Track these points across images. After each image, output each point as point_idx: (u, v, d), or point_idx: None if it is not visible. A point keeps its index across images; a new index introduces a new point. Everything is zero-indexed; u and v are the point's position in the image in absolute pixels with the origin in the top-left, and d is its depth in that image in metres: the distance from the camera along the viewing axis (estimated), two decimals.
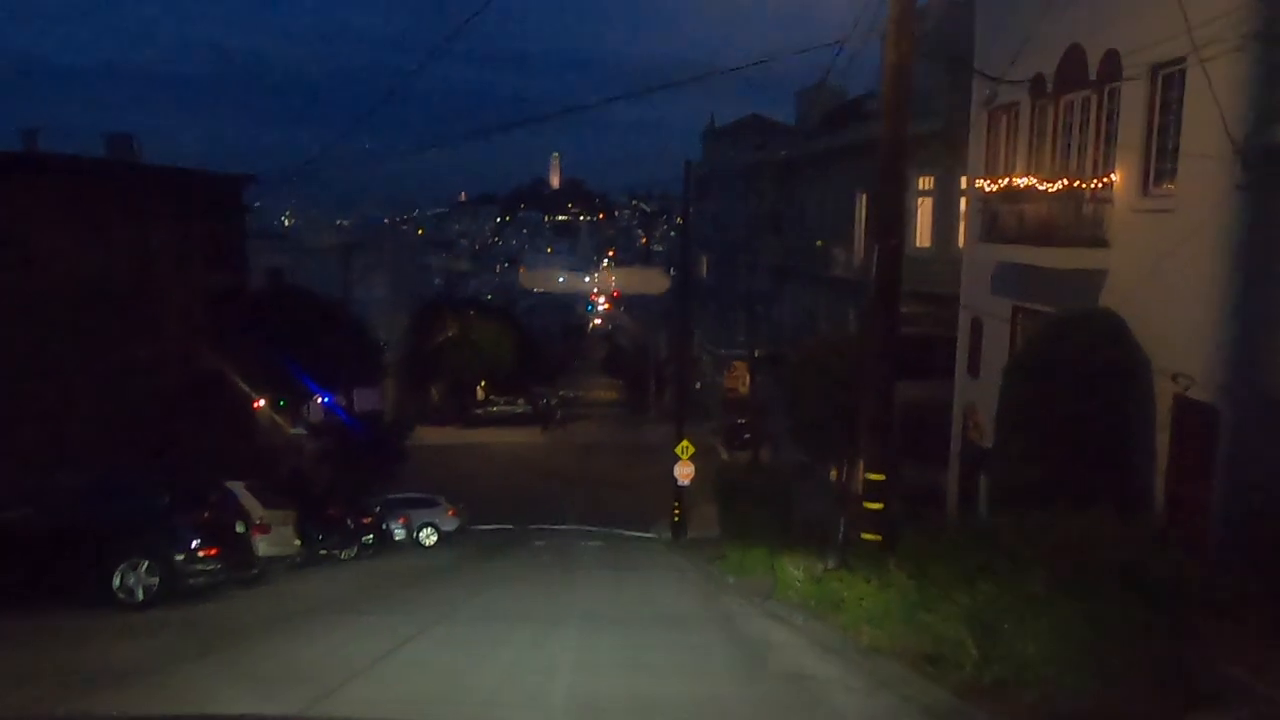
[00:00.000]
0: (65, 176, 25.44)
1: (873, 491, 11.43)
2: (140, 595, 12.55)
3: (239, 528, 14.28)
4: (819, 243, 28.96)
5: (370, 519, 24.19)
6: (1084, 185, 14.17)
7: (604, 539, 33.50)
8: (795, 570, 13.91)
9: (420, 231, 75.71)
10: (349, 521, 22.76)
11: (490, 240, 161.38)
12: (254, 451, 31.11)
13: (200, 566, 13.02)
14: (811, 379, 17.32)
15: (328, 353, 40.99)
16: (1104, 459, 12.85)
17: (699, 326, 53.82)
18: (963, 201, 23.36)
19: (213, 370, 32.54)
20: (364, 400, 46.81)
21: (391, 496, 29.30)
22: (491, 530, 35.61)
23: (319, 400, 45.52)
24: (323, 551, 21.42)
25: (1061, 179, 14.56)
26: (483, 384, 60.27)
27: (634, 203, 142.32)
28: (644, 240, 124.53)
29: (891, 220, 11.76)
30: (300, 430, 39.70)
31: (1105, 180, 14.03)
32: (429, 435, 51.45)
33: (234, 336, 34.94)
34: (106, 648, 10.00)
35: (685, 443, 35.18)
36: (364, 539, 23.77)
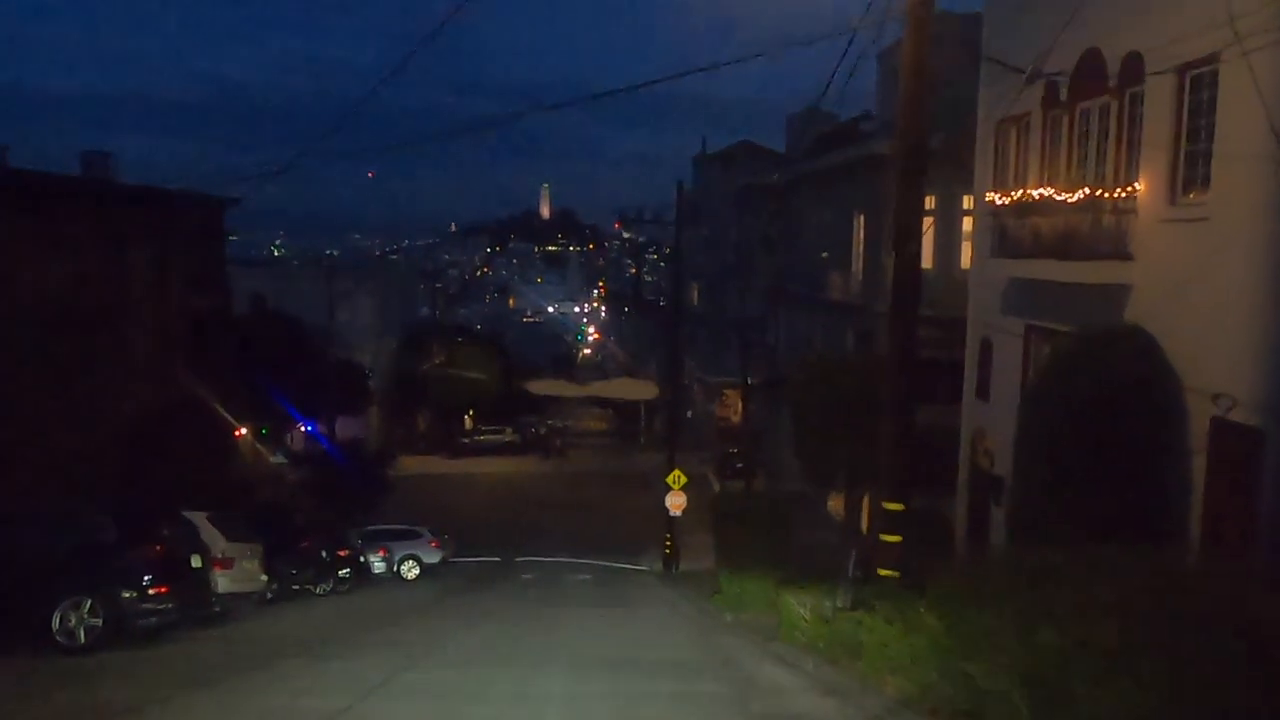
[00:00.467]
0: (35, 194, 24.33)
1: (890, 523, 10.30)
2: (82, 637, 11.29)
3: (195, 562, 13.03)
4: (818, 261, 28.03)
5: (347, 552, 22.87)
6: (1105, 195, 13.22)
7: (593, 571, 32.24)
8: (801, 609, 12.71)
9: (398, 257, 74.66)
10: (324, 554, 21.45)
11: (480, 270, 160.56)
12: (230, 481, 29.76)
13: (150, 605, 11.78)
14: (817, 399, 16.26)
15: (311, 380, 39.80)
16: (1132, 485, 11.79)
17: (690, 354, 52.82)
18: (965, 221, 22.48)
19: (191, 397, 31.25)
20: (348, 428, 45.51)
21: (371, 528, 27.97)
22: (477, 562, 34.29)
23: (302, 429, 44.26)
24: (295, 587, 20.11)
25: (1080, 190, 13.61)
26: (470, 413, 58.98)
27: (623, 232, 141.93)
28: (634, 270, 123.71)
29: (909, 224, 10.77)
30: (281, 459, 38.37)
31: (1128, 190, 13.09)
32: (414, 465, 50.04)
33: (215, 362, 33.72)
34: (28, 700, 8.75)
35: (677, 472, 34.05)
36: (340, 573, 22.45)
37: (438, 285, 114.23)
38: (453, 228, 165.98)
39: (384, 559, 25.80)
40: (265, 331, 44.48)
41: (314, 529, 23.08)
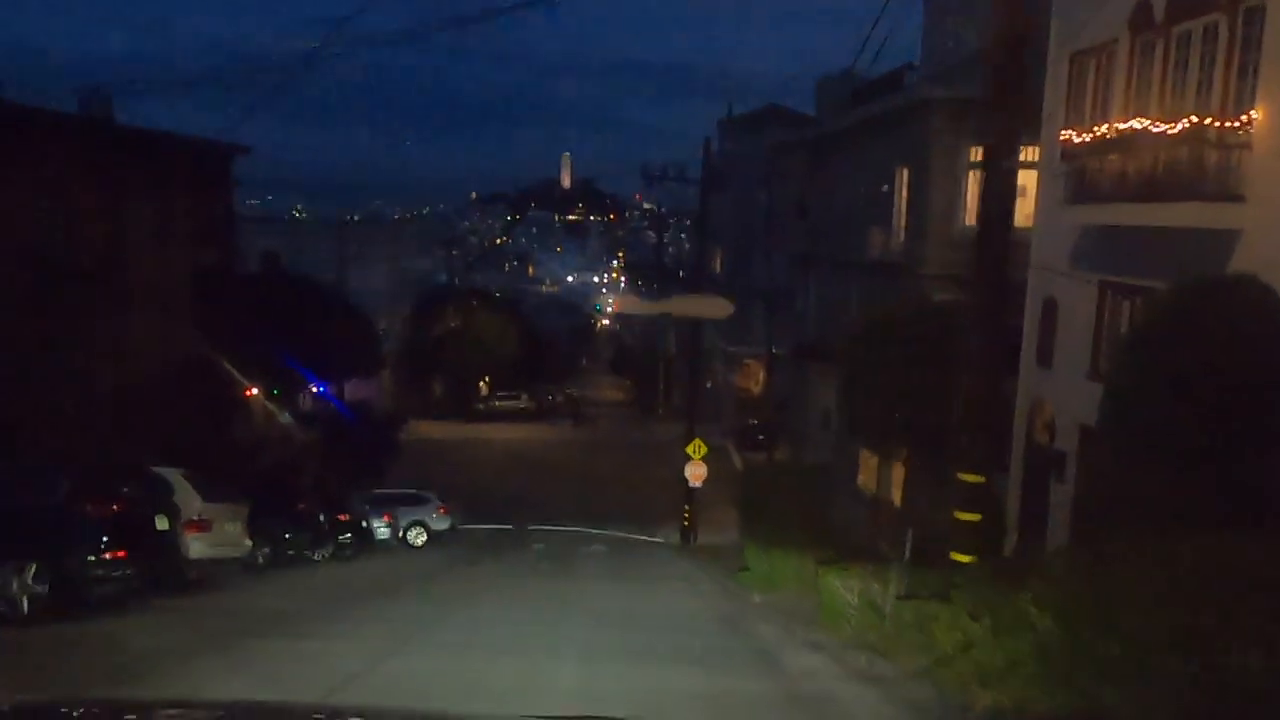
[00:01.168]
0: (22, 131, 22.67)
1: (969, 497, 8.51)
2: (25, 606, 9.71)
3: (161, 523, 11.43)
4: (855, 222, 26.07)
5: (348, 516, 21.32)
6: (1214, 125, 11.28)
7: (608, 542, 30.71)
8: (847, 593, 11.00)
9: (415, 222, 73.00)
10: (321, 519, 19.90)
11: (499, 239, 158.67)
12: (234, 442, 28.28)
13: (105, 571, 10.18)
14: (877, 358, 14.38)
15: (324, 340, 38.22)
16: (1245, 462, 9.96)
17: (711, 324, 50.92)
18: (1020, 173, 20.45)
19: (195, 356, 29.77)
20: (360, 391, 44.04)
21: (377, 492, 26.45)
22: (488, 530, 32.88)
23: (314, 389, 42.79)
24: (290, 552, 18.58)
25: (1182, 121, 11.66)
26: (486, 380, 57.42)
27: (643, 203, 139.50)
28: (655, 236, 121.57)
29: (1006, 132, 8.86)
30: (289, 420, 36.94)
31: (1240, 121, 11.14)
32: (428, 430, 48.57)
33: (222, 320, 32.17)
34: None
35: (697, 442, 32.41)
36: (341, 538, 20.93)
37: (455, 252, 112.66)
38: (473, 195, 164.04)
39: (389, 525, 24.27)
40: (277, 290, 42.94)
41: (314, 492, 21.53)
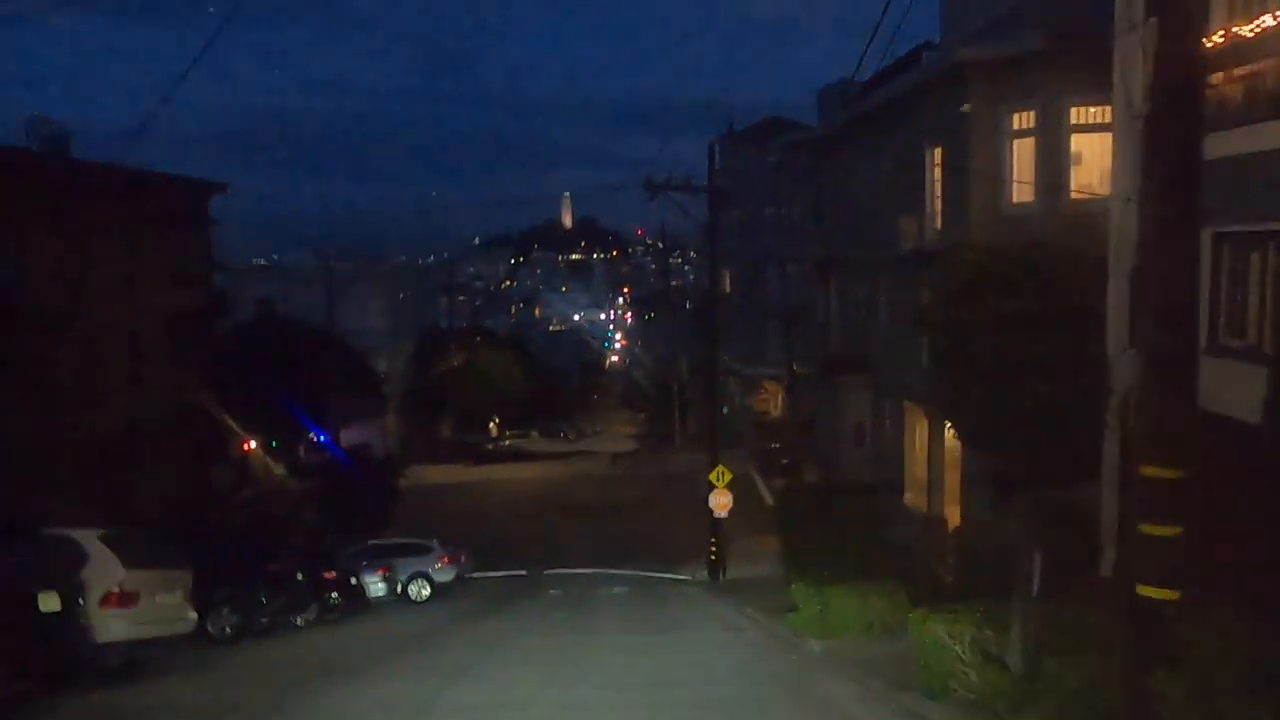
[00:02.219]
0: None
1: (1159, 499, 5.63)
2: None
3: (46, 603, 8.62)
4: (879, 215, 23.39)
5: (334, 574, 18.45)
6: None
7: (629, 583, 27.77)
8: (954, 643, 8.07)
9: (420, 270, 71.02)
10: (301, 577, 17.03)
11: (505, 282, 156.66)
12: (215, 497, 25.47)
13: None
14: (985, 319, 11.24)
15: (320, 386, 35.63)
16: None
17: (724, 347, 48.18)
18: (1074, 140, 17.78)
19: (177, 405, 27.14)
20: (360, 437, 41.33)
21: (372, 543, 23.57)
22: (501, 578, 29.95)
23: (314, 438, 40.10)
24: (264, 620, 15.71)
25: None
26: (495, 420, 54.69)
27: (645, 238, 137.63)
28: (662, 257, 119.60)
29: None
30: (283, 472, 34.23)
31: None
32: (434, 474, 45.70)
33: (208, 367, 29.63)
34: None
35: (721, 468, 29.49)
36: (328, 598, 18.04)
37: (460, 298, 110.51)
38: (476, 240, 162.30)
39: (384, 579, 21.33)
40: (271, 337, 40.57)
41: (293, 548, 18.69)
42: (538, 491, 44.10)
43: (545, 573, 29.82)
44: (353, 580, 19.20)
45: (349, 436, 40.20)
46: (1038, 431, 11.58)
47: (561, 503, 40.66)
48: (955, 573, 17.28)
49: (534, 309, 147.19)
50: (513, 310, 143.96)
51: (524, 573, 30.31)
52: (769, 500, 40.54)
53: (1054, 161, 17.77)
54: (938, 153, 20.45)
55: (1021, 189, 18.22)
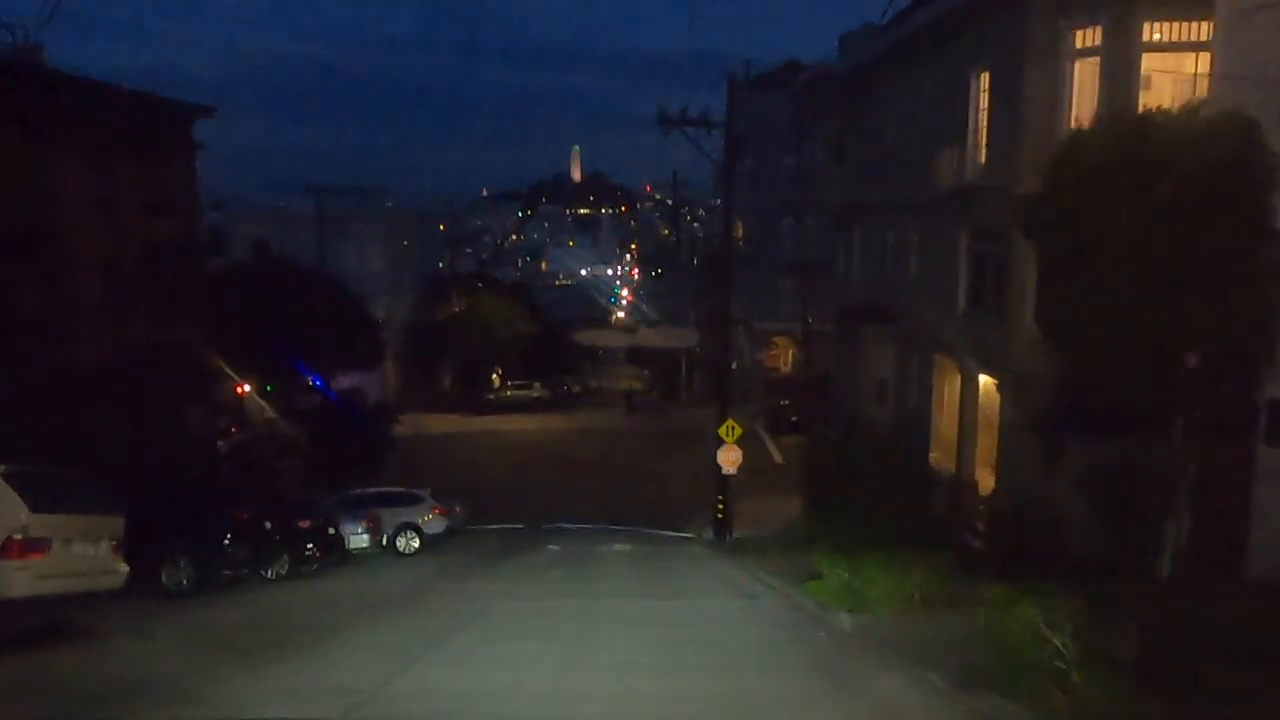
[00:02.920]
0: None
1: None
2: None
3: None
4: (913, 151, 21.25)
5: (309, 522, 16.68)
6: None
7: (632, 540, 26.19)
8: (1053, 635, 6.16)
9: (442, 227, 68.59)
10: (269, 528, 15.26)
11: (512, 236, 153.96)
12: (193, 439, 23.67)
13: None
14: (1120, 213, 8.84)
15: (317, 330, 33.73)
16: None
17: (734, 300, 46.12)
18: (1146, 60, 15.59)
19: (157, 341, 25.23)
20: (358, 382, 39.51)
21: (357, 492, 21.81)
22: (497, 531, 28.36)
23: (309, 383, 38.25)
24: (227, 572, 13.95)
25: None
26: (499, 372, 52.74)
27: (654, 194, 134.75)
28: (666, 232, 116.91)
29: None
30: (271, 414, 32.44)
31: None
32: (435, 423, 44.00)
33: (192, 305, 27.70)
34: None
35: (730, 422, 27.68)
36: (304, 549, 16.29)
37: (468, 251, 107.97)
38: (484, 193, 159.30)
39: (368, 530, 19.55)
40: (268, 280, 38.58)
41: (265, 493, 16.92)
42: (539, 443, 42.41)
43: (544, 527, 28.24)
44: (331, 530, 17.43)
45: (346, 383, 38.39)
46: (1180, 361, 8.89)
47: (563, 455, 39.00)
48: (987, 540, 15.46)
49: (540, 263, 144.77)
50: (519, 264, 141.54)
51: (522, 526, 28.75)
52: (778, 459, 38.83)
53: (1121, 84, 15.59)
54: (984, 79, 18.26)
55: (1082, 116, 16.04)
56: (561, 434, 43.90)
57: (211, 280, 39.87)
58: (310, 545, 16.34)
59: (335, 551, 17.45)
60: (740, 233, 49.68)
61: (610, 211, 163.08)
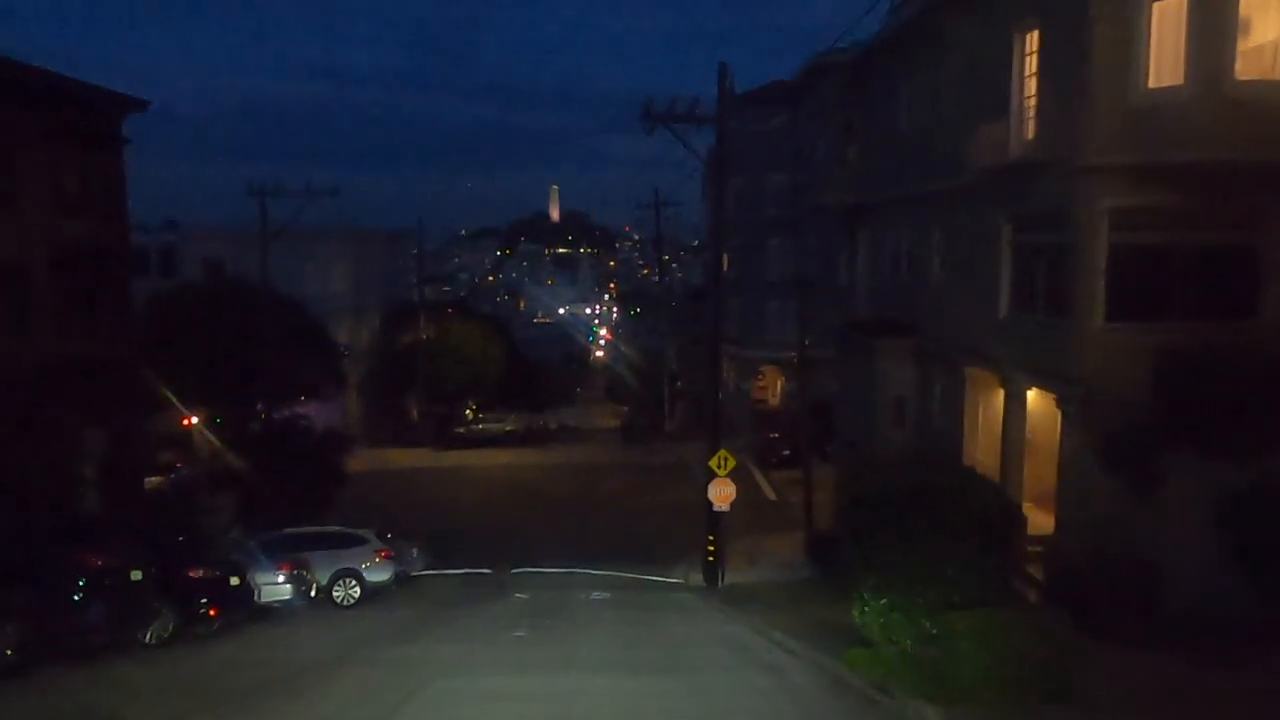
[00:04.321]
0: None
1: None
2: None
3: None
4: (939, 136, 18.12)
5: (204, 572, 12.89)
6: None
7: (612, 586, 22.49)
8: None
9: (422, 270, 65.08)
10: (139, 577, 11.47)
11: (490, 276, 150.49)
12: (68, 477, 19.55)
13: None
14: None
15: (269, 356, 30.01)
16: None
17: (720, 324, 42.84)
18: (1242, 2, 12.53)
19: (72, 360, 21.41)
20: (317, 414, 35.61)
21: (289, 531, 17.95)
22: (461, 576, 24.54)
23: (260, 412, 34.35)
24: (77, 637, 10.11)
25: None
26: (472, 406, 48.93)
27: (632, 234, 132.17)
28: (646, 271, 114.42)
29: None
30: (217, 446, 28.57)
31: None
32: (398, 458, 40.08)
33: (117, 317, 23.98)
34: None
35: (723, 454, 24.14)
36: (198, 604, 12.48)
37: (445, 289, 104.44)
38: (463, 232, 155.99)
39: (291, 578, 15.65)
40: (220, 301, 34.94)
41: (138, 536, 13.11)
42: (511, 479, 38.50)
43: (513, 571, 24.44)
44: (234, 580, 13.60)
45: (303, 413, 34.54)
46: None
47: (537, 492, 35.13)
48: (1046, 592, 11.96)
49: (519, 301, 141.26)
50: (496, 302, 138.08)
51: (488, 571, 24.93)
52: (770, 494, 35.27)
53: (1214, 30, 12.51)
54: (1030, 40, 15.17)
55: (1162, 70, 12.93)
56: (535, 469, 40.01)
57: (158, 301, 36.35)
58: (205, 599, 12.55)
59: (239, 606, 13.61)
60: (725, 260, 46.59)
61: (589, 251, 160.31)
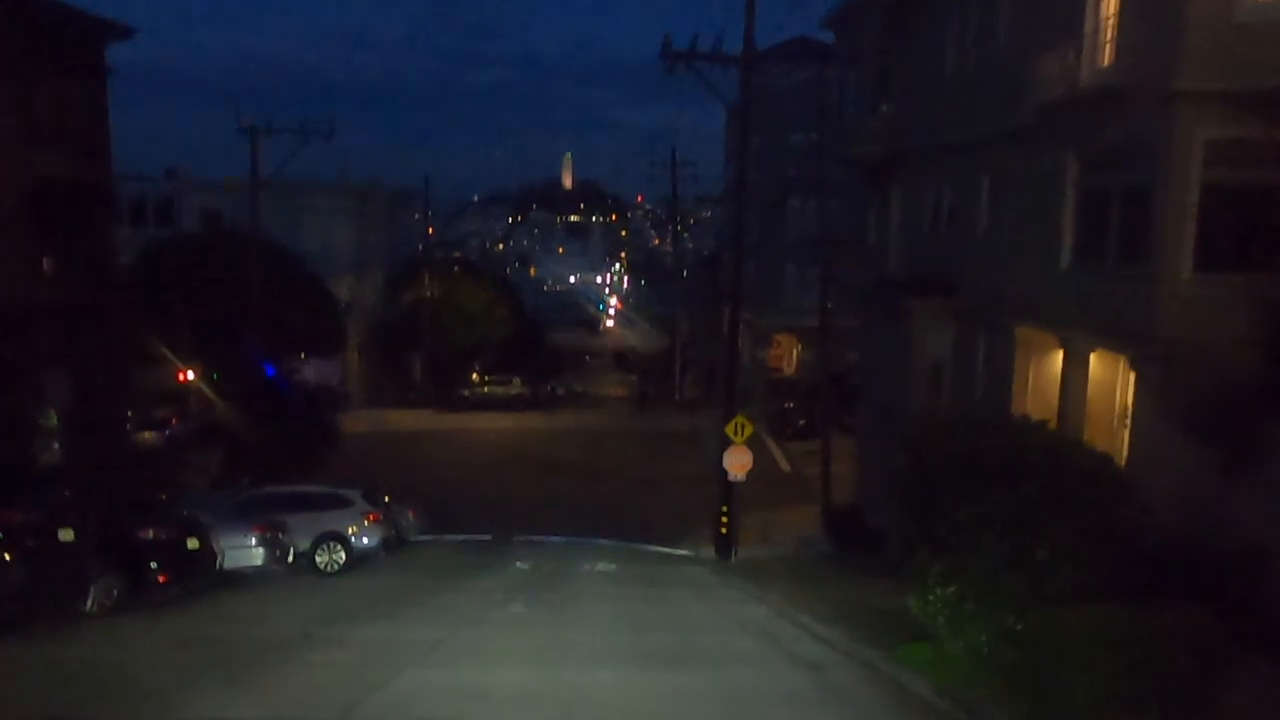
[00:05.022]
0: None
1: None
2: None
3: None
4: (991, 73, 16.09)
5: (154, 534, 11.19)
6: None
7: (618, 558, 20.94)
8: None
9: (430, 231, 62.65)
10: (72, 537, 9.78)
11: (501, 243, 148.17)
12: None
13: None
14: None
15: (267, 310, 28.32)
16: None
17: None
18: None
19: (37, 302, 19.67)
20: (318, 373, 33.94)
21: (267, 491, 16.29)
22: (458, 543, 22.98)
23: (259, 367, 32.71)
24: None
25: None
26: (478, 369, 47.20)
27: (644, 204, 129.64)
28: (657, 241, 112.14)
29: None
30: (214, 400, 26.96)
31: None
32: (400, 419, 38.47)
33: (98, 259, 22.27)
34: None
35: (740, 419, 22.49)
36: (149, 568, 10.80)
37: (457, 254, 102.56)
38: (475, 198, 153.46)
39: (263, 541, 13.95)
40: (217, 253, 33.20)
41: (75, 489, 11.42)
42: (516, 443, 36.85)
43: (514, 538, 22.86)
44: (193, 542, 11.91)
45: (305, 372, 32.87)
46: None
47: (542, 458, 33.48)
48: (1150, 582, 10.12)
49: (529, 269, 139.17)
50: (508, 270, 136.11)
51: (489, 537, 23.36)
52: (785, 466, 33.55)
53: None
54: None
55: None
56: (541, 434, 38.33)
57: (151, 251, 34.66)
58: (155, 563, 10.88)
59: (197, 573, 11.92)
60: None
61: (601, 220, 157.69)
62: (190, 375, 32.54)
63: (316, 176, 39.62)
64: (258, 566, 13.34)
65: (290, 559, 14.65)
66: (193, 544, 11.77)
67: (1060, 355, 14.49)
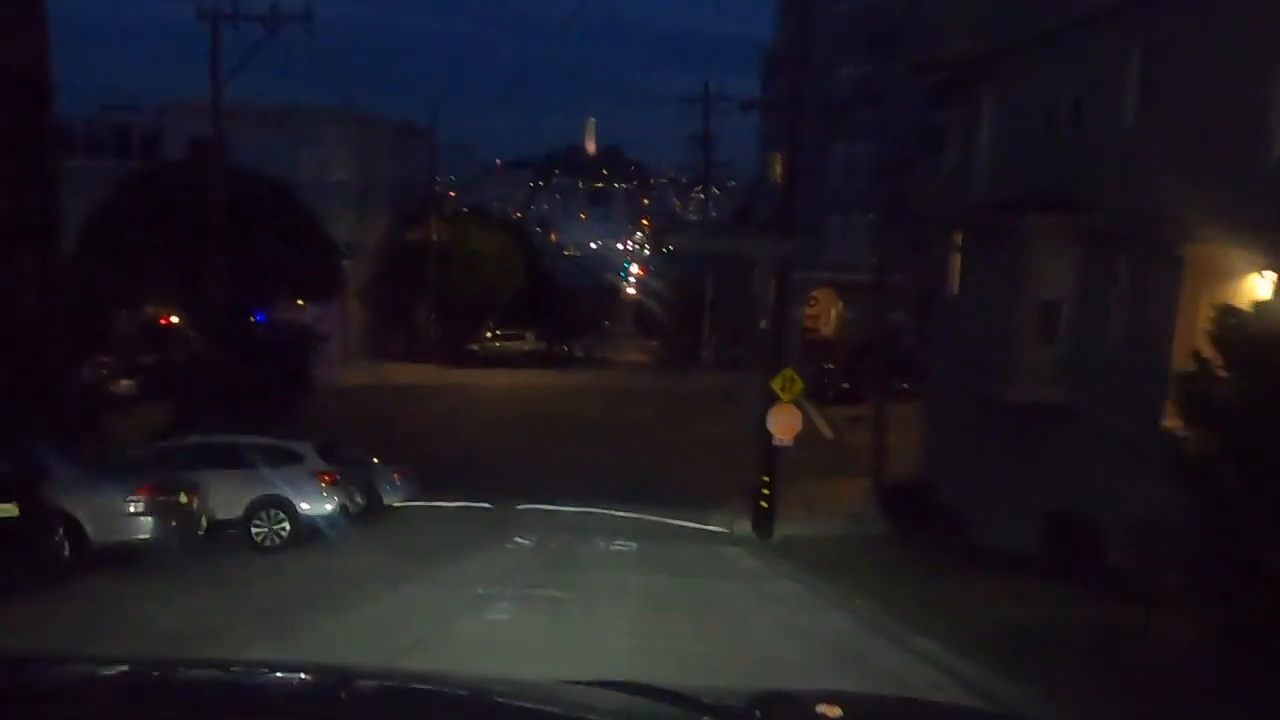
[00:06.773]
0: None
1: None
2: None
3: None
4: None
5: None
6: None
7: (641, 534, 17.28)
8: None
9: (453, 194, 58.83)
10: None
11: (519, 212, 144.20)
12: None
13: None
14: None
15: (254, 248, 24.60)
16: None
17: (767, 245, 36.63)
18: None
19: None
20: (314, 319, 30.09)
21: (193, 440, 12.45)
22: (453, 510, 19.44)
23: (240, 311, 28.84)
24: None
25: None
26: (492, 325, 43.27)
27: (669, 179, 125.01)
28: (679, 206, 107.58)
29: None
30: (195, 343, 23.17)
31: None
32: (403, 373, 34.74)
33: (32, 167, 18.41)
34: None
35: (788, 373, 18.68)
36: None
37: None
38: (496, 162, 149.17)
39: (151, 507, 9.83)
40: (201, 184, 29.17)
41: None
42: (527, 402, 33.04)
43: (518, 507, 19.20)
44: (19, 510, 7.92)
45: (298, 319, 29.08)
46: None
47: (554, 418, 29.64)
48: None
49: (550, 234, 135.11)
50: (529, 234, 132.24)
51: (488, 505, 19.72)
52: (828, 433, 29.63)
53: None
54: None
55: None
56: (555, 392, 34.45)
57: (125, 183, 30.94)
58: None
59: (33, 551, 7.99)
60: (777, 167, 40.15)
61: (624, 187, 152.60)
62: (174, 319, 29.00)
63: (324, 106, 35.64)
64: (144, 539, 9.41)
65: (203, 529, 10.74)
66: (6, 509, 7.80)
67: (1255, 282, 10.30)
